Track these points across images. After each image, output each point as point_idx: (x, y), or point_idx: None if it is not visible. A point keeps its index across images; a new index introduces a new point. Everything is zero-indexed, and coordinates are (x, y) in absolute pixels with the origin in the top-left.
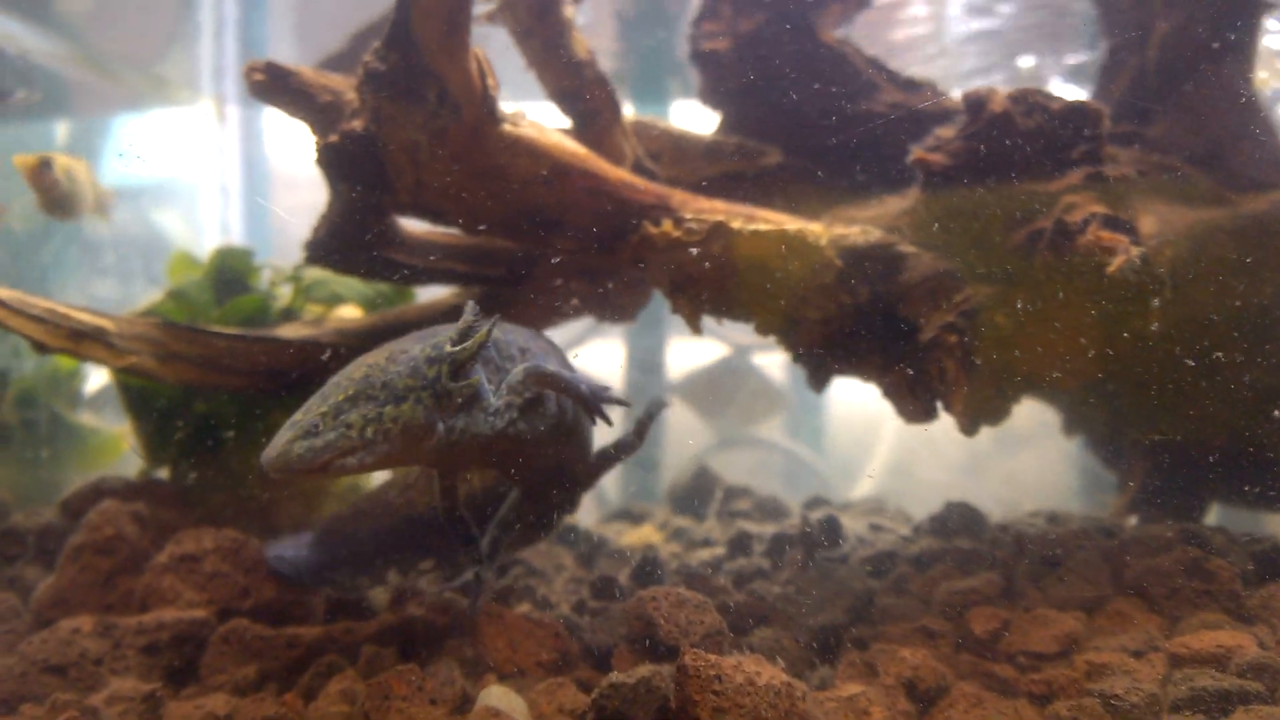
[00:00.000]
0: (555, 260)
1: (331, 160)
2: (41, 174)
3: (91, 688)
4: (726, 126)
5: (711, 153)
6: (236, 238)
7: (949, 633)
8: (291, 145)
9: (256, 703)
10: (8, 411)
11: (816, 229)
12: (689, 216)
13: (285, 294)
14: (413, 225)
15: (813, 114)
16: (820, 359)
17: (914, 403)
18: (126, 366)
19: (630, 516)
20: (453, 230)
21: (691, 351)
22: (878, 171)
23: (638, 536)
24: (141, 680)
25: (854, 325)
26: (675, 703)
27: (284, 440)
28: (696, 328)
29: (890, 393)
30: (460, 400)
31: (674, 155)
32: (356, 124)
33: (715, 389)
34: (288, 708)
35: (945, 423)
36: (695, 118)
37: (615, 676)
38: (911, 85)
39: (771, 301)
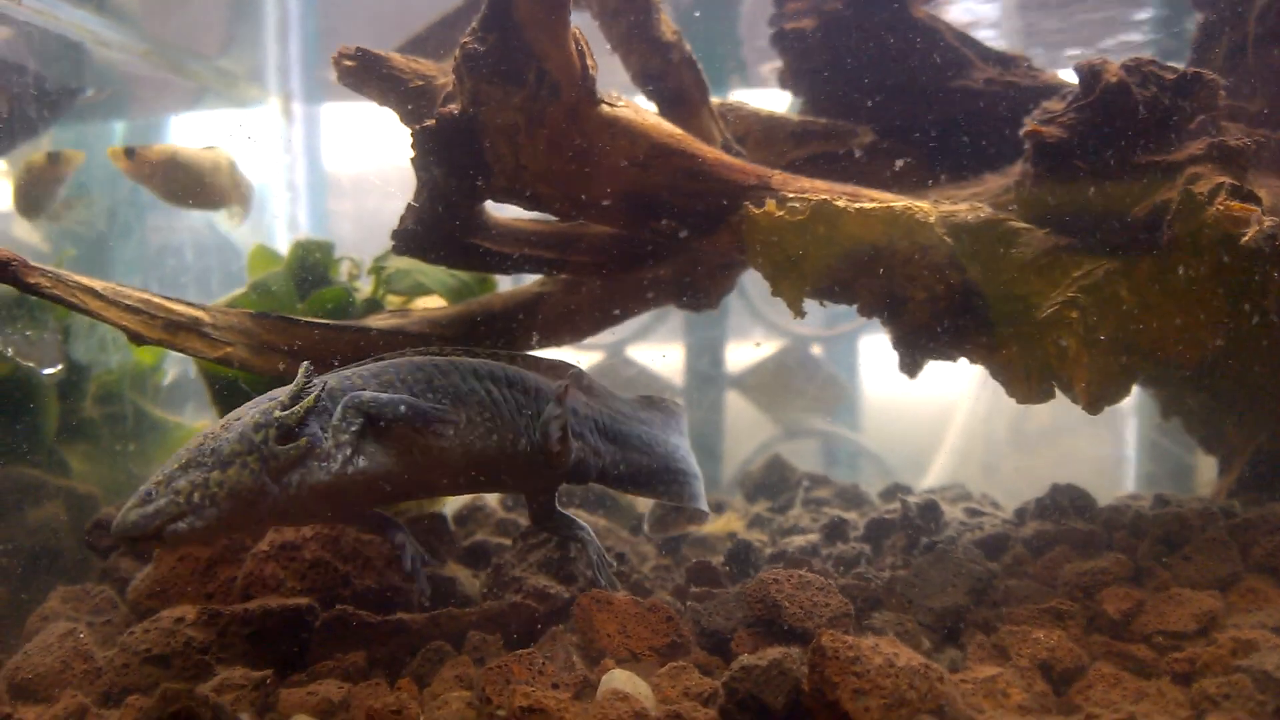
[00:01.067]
0: (647, 246)
1: (427, 145)
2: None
3: (197, 677)
4: (810, 109)
5: (800, 134)
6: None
7: (1078, 614)
8: (342, 150)
9: (370, 689)
10: (91, 407)
11: (925, 206)
12: (791, 196)
13: (363, 287)
14: (498, 213)
15: (904, 92)
16: (917, 342)
17: (1028, 383)
18: (221, 357)
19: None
20: (539, 217)
21: (747, 347)
22: (972, 150)
23: (720, 525)
24: (248, 668)
25: (962, 304)
26: (809, 685)
27: (125, 509)
28: (799, 311)
29: (1000, 374)
30: (289, 462)
31: (761, 138)
32: (453, 107)
33: (776, 381)
34: (403, 694)
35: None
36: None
37: (746, 659)
38: (1006, 60)
39: (877, 282)
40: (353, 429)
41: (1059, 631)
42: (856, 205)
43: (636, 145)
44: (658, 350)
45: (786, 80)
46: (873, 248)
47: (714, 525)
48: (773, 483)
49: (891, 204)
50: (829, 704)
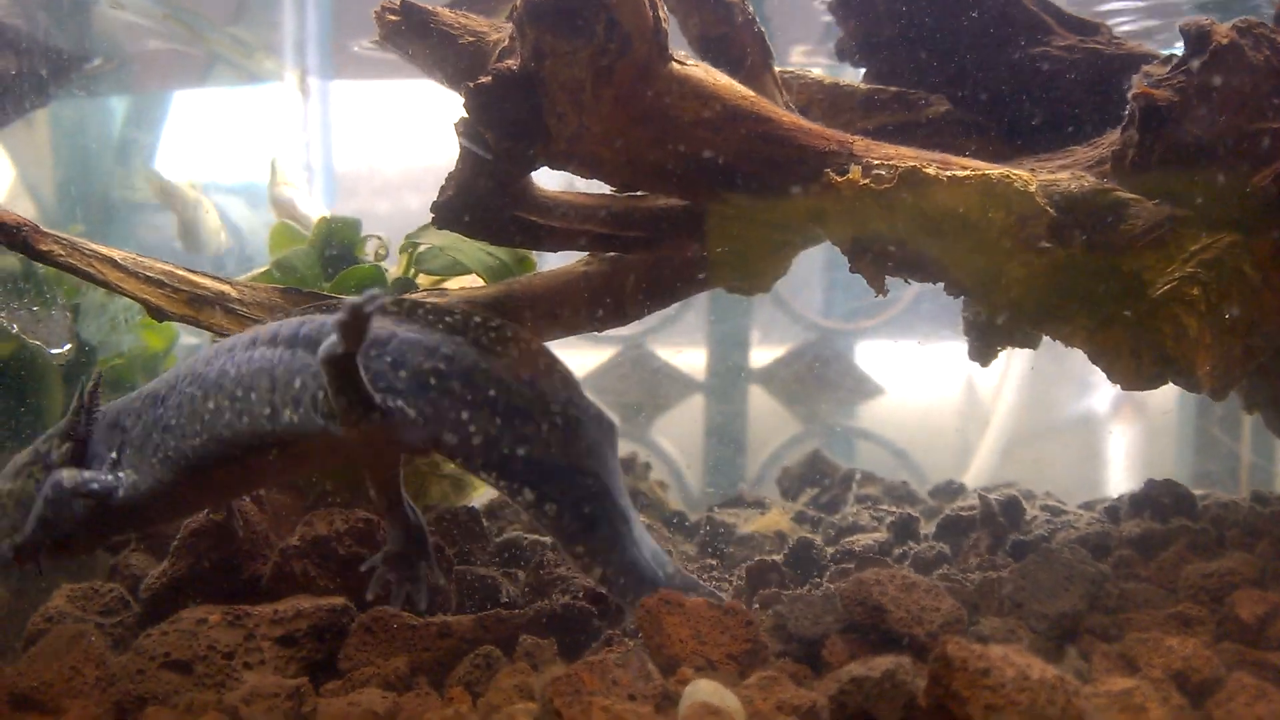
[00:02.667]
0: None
1: (480, 104)
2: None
3: (222, 684)
4: (875, 81)
5: (869, 103)
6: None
7: (1207, 619)
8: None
9: (420, 699)
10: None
11: (1024, 175)
12: (876, 163)
13: (390, 267)
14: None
15: (978, 60)
16: (1008, 324)
17: (1137, 368)
18: None
19: (745, 503)
20: (587, 189)
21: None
22: (1052, 120)
23: (766, 523)
24: (279, 675)
25: (1062, 280)
26: (928, 699)
27: None
28: (881, 288)
29: (1103, 356)
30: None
31: (826, 107)
32: (510, 63)
33: (801, 375)
34: (458, 705)
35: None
36: None
37: (855, 669)
38: (1086, 27)
39: (969, 257)
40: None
41: (1192, 640)
42: (948, 173)
43: (708, 107)
44: (680, 342)
45: (848, 51)
46: (965, 219)
47: (758, 523)
48: (814, 479)
49: (987, 172)
50: None
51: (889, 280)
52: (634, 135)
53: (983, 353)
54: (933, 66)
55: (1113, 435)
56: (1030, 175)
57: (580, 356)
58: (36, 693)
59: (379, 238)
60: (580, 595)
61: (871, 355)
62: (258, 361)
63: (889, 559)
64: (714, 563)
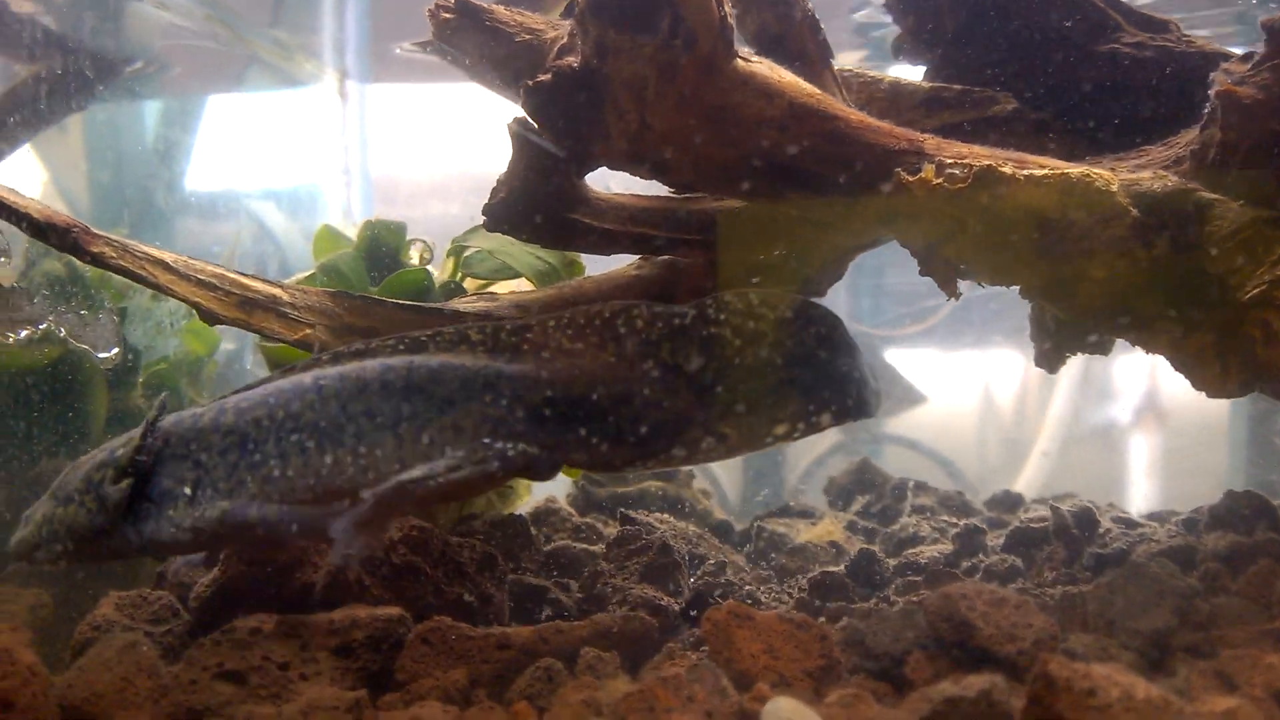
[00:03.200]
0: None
1: (540, 103)
2: None
3: (277, 696)
4: (936, 78)
5: (932, 102)
6: (360, 218)
7: None
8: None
9: (482, 713)
10: (140, 397)
11: (1105, 174)
12: (950, 161)
13: (433, 271)
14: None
15: (1044, 58)
16: (1062, 334)
17: (1223, 375)
18: (300, 339)
19: (793, 513)
20: (641, 191)
21: None
22: (1121, 119)
23: (818, 533)
24: (336, 686)
25: (1144, 284)
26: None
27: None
28: (953, 291)
29: (1187, 363)
30: (117, 504)
31: (886, 107)
32: (571, 60)
33: None
34: None
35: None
36: None
37: (948, 689)
38: (1155, 24)
39: (1046, 259)
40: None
41: None
42: (1025, 172)
43: (773, 105)
44: None
45: (906, 49)
46: (1043, 220)
47: (811, 533)
48: (863, 489)
49: (1066, 171)
50: None
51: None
52: (697, 134)
53: (1052, 359)
54: (996, 64)
55: (1156, 446)
56: (1111, 174)
57: None
58: (88, 704)
59: (424, 241)
60: (638, 606)
61: (913, 362)
62: (377, 416)
63: (957, 572)
64: (766, 574)
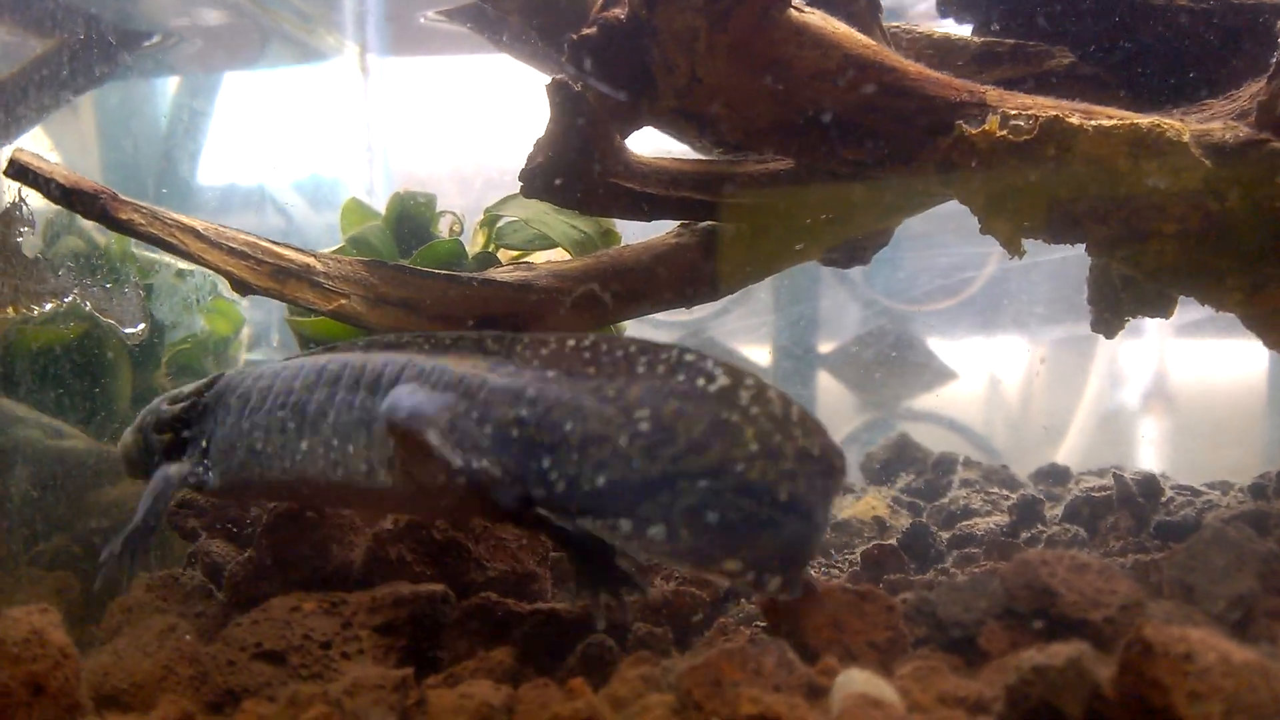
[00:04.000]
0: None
1: (584, 58)
2: None
3: (319, 675)
4: (982, 33)
5: (984, 57)
6: (380, 202)
7: None
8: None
9: (539, 691)
10: (163, 377)
11: (1176, 125)
12: (1014, 113)
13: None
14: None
15: (1099, 11)
16: (1121, 296)
17: None
18: (334, 310)
19: None
20: (680, 154)
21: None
22: (1178, 74)
23: (862, 509)
24: (380, 665)
25: (1216, 239)
26: (1119, 688)
27: None
28: (1018, 249)
29: (1260, 320)
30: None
31: (935, 63)
32: (618, 11)
33: (872, 360)
34: (586, 699)
35: None
36: None
37: (1035, 658)
38: None
39: (1117, 214)
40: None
41: None
42: (1093, 123)
43: (828, 57)
44: (744, 327)
45: (951, 5)
46: (1113, 173)
47: (854, 508)
48: (904, 464)
49: (1136, 121)
50: (1155, 711)
51: (959, 261)
52: (749, 88)
53: (1109, 324)
54: (1047, 18)
55: (1187, 421)
56: (1182, 125)
57: None
58: (126, 695)
59: (454, 214)
60: (685, 581)
61: (945, 339)
62: (356, 411)
63: (1018, 542)
64: None
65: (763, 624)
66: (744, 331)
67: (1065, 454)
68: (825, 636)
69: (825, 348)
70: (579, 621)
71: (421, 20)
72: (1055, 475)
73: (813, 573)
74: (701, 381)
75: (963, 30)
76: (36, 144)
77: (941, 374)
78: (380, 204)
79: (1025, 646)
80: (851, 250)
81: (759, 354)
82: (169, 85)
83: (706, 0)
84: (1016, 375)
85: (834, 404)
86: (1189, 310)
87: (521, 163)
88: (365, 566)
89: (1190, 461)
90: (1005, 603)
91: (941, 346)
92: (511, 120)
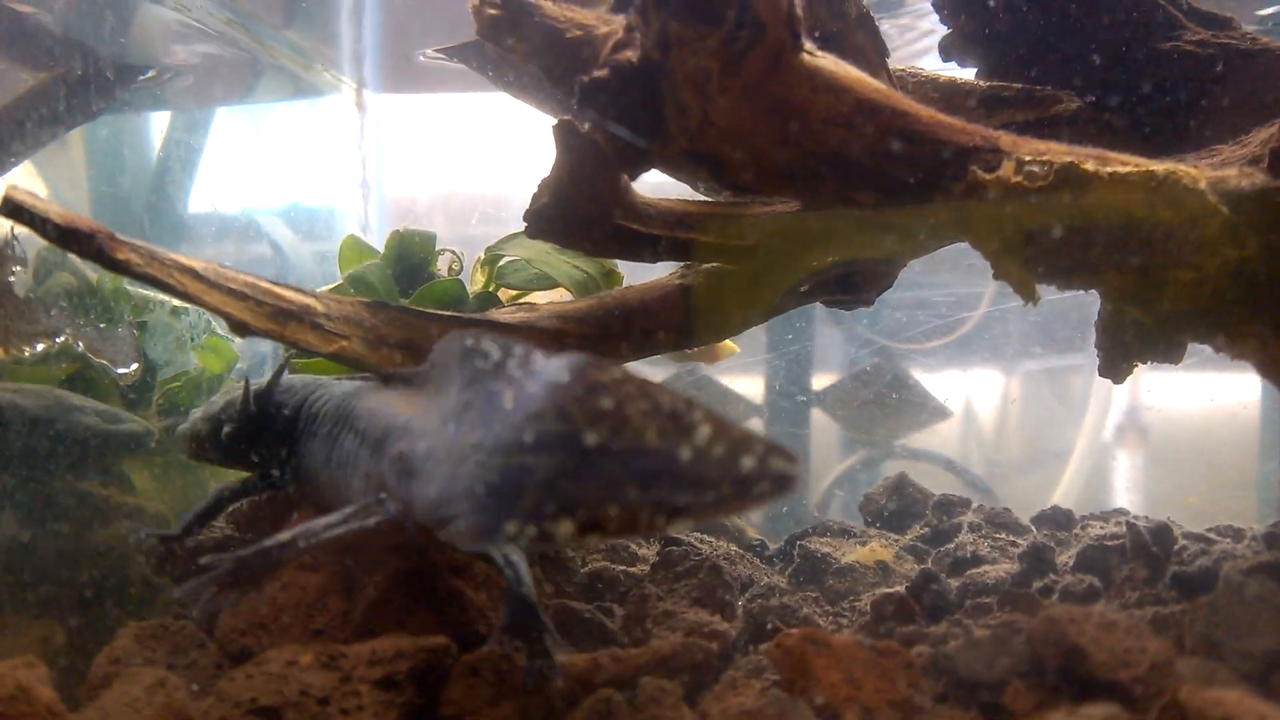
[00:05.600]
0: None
1: (595, 101)
2: None
3: None
4: (986, 78)
5: (991, 101)
6: (375, 238)
7: None
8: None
9: None
10: (152, 415)
11: (1191, 171)
12: (1029, 159)
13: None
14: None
15: (1104, 56)
16: (1130, 341)
17: None
18: (335, 352)
19: (833, 531)
20: (686, 196)
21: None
22: (1186, 118)
23: (866, 554)
24: None
25: (1233, 286)
26: None
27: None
28: (1030, 295)
29: (1275, 367)
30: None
31: (942, 106)
32: (629, 54)
33: (863, 399)
34: None
35: None
36: None
37: None
38: (1217, 21)
39: (1131, 260)
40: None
41: None
42: (1108, 169)
43: (840, 101)
44: (737, 363)
45: (955, 49)
46: (1129, 220)
47: (858, 553)
48: (902, 506)
49: (1151, 168)
50: None
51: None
52: (761, 131)
53: (1117, 369)
54: (1053, 62)
55: (1182, 459)
56: (1198, 171)
57: None
58: None
59: (453, 252)
60: (694, 631)
61: (937, 377)
62: (346, 448)
63: (1032, 594)
64: (814, 595)
65: (774, 677)
66: (738, 369)
67: (1060, 494)
68: (843, 694)
69: (819, 385)
70: (585, 676)
71: (421, 58)
72: (1058, 519)
73: (821, 623)
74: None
75: (967, 73)
76: (24, 177)
77: (938, 413)
78: (375, 239)
79: (1052, 707)
80: (856, 292)
81: (753, 390)
82: (160, 119)
83: (720, 43)
84: (1013, 412)
85: (828, 442)
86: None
87: (517, 199)
88: (364, 616)
89: (1178, 500)
90: (1029, 660)
91: (934, 384)
92: (506, 157)
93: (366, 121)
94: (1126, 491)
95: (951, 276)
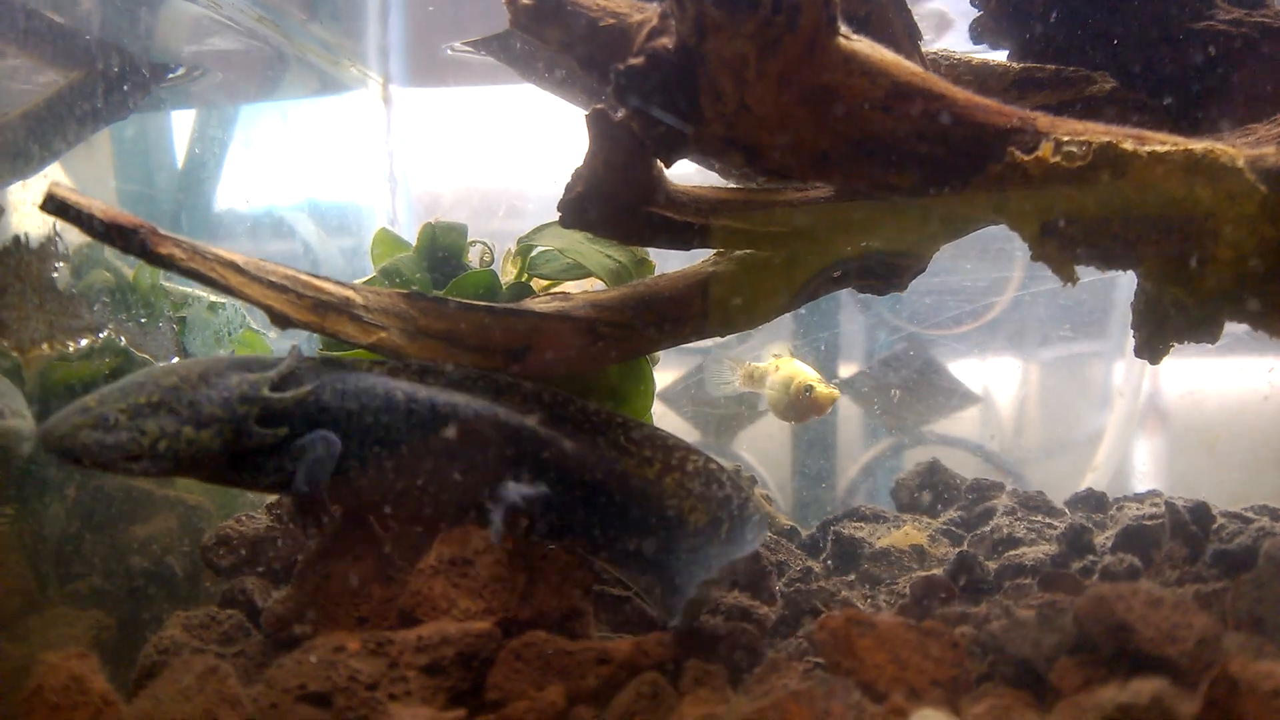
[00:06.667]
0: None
1: (631, 89)
2: None
3: (366, 718)
4: (1018, 60)
5: (1024, 83)
6: (403, 232)
7: None
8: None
9: None
10: None
11: (1229, 150)
12: (1066, 139)
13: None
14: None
15: (1137, 35)
16: (1167, 321)
17: None
18: (374, 343)
19: (864, 516)
20: (717, 183)
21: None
22: (1220, 97)
23: (900, 538)
24: (428, 707)
25: (1272, 264)
26: None
27: (72, 422)
28: (1070, 276)
29: None
30: (260, 445)
31: (975, 89)
32: (665, 41)
33: (893, 385)
34: None
35: None
36: None
37: (1116, 696)
38: (1248, 0)
39: (1170, 240)
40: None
41: None
42: (1147, 149)
43: (876, 85)
44: (763, 350)
45: (987, 30)
46: (1167, 198)
47: (892, 537)
48: (935, 490)
49: (1189, 147)
50: None
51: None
52: (797, 116)
53: (1154, 349)
54: (1085, 42)
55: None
56: (1236, 150)
57: (659, 370)
58: None
59: (484, 243)
60: (734, 614)
61: (965, 362)
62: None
63: (1073, 573)
64: (850, 578)
65: (816, 659)
66: (764, 356)
67: (1091, 479)
68: (889, 674)
69: (845, 372)
70: (629, 661)
71: (449, 51)
72: (1093, 502)
73: (860, 606)
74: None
75: (999, 55)
76: (49, 174)
77: (967, 398)
78: (403, 233)
79: (1098, 683)
80: (889, 277)
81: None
82: (185, 115)
83: (757, 28)
84: (1035, 397)
85: (853, 429)
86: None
87: (542, 193)
88: (411, 603)
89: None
90: (1076, 638)
91: (959, 369)
92: (532, 150)
93: (393, 115)
94: (1156, 475)
95: (979, 262)
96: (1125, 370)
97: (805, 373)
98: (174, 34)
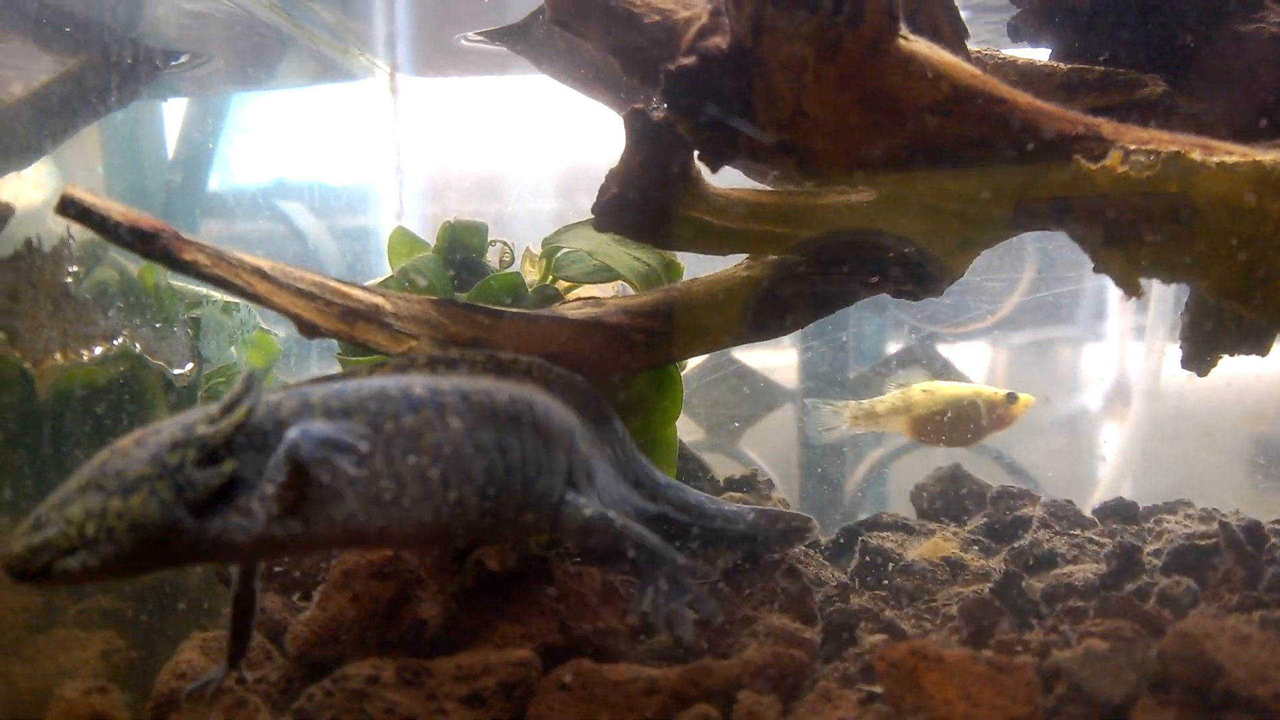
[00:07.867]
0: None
1: (681, 89)
2: None
3: None
4: (1059, 58)
5: (1071, 85)
6: (410, 223)
7: None
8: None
9: None
10: None
11: None
12: (1134, 148)
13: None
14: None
15: (1184, 37)
16: (1215, 333)
17: None
18: (404, 352)
19: (888, 525)
20: (756, 187)
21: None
22: (1273, 102)
23: (930, 549)
24: None
25: None
26: None
27: (17, 534)
28: (1134, 289)
29: None
30: (207, 492)
31: (1022, 90)
32: (717, 40)
33: (902, 383)
34: None
35: None
36: None
37: None
38: None
39: (1237, 253)
40: (280, 480)
41: None
42: (1215, 159)
43: (936, 88)
44: (773, 350)
45: (1026, 28)
46: (1236, 210)
47: (921, 549)
48: (959, 498)
49: (1259, 158)
50: None
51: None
52: (854, 120)
53: (1200, 361)
54: (1130, 44)
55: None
56: None
57: None
58: None
59: (504, 243)
60: (780, 638)
61: (975, 361)
62: (509, 450)
63: (1134, 599)
64: (884, 594)
65: (867, 687)
66: (774, 356)
67: (1106, 485)
68: (959, 712)
69: (855, 373)
70: (680, 690)
71: (462, 41)
72: (1123, 512)
73: (905, 627)
74: None
75: (1042, 54)
76: (39, 164)
77: None
78: (409, 223)
79: None
80: (927, 282)
81: (787, 377)
82: (179, 102)
83: (817, 29)
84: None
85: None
86: None
87: (548, 182)
88: (445, 627)
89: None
90: (1158, 675)
91: (969, 369)
92: (539, 140)
93: (400, 105)
94: (1164, 475)
95: (997, 260)
96: (1118, 359)
97: (965, 389)
98: (179, 19)
